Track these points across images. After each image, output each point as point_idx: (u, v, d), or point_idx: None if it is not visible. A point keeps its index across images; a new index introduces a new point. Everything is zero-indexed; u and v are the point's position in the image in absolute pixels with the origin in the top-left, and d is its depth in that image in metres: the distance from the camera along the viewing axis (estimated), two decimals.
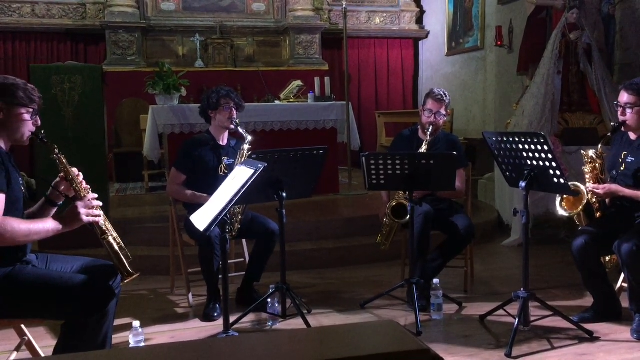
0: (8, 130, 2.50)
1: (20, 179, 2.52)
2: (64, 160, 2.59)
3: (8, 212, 2.37)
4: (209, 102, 3.94)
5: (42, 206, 2.68)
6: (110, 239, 2.58)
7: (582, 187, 3.41)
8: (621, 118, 3.44)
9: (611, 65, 5.88)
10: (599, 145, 3.51)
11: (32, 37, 8.06)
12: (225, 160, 3.95)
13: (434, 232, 4.02)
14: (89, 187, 2.61)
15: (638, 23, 5.75)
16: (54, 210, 2.70)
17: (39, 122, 2.58)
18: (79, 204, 2.51)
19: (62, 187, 2.65)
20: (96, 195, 2.59)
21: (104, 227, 2.57)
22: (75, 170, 2.61)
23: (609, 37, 5.86)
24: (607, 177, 3.52)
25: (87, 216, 2.50)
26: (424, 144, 3.91)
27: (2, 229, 2.30)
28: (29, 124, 2.53)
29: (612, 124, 3.53)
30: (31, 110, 2.52)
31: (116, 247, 2.58)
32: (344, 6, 6.60)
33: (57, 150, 2.58)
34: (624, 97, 3.41)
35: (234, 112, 3.93)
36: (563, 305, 3.70)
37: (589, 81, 5.61)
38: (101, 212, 2.58)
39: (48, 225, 2.44)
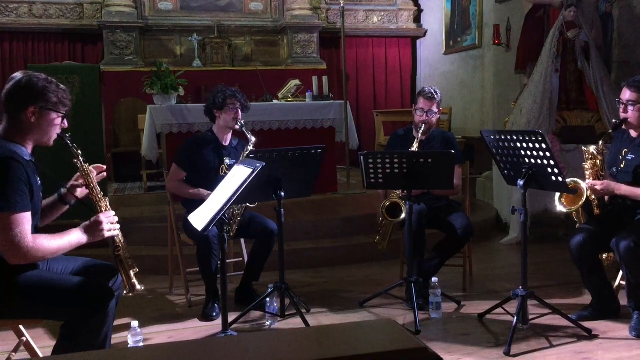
0: (37, 134, 2.48)
1: (39, 179, 2.51)
2: (86, 167, 2.58)
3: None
4: (215, 102, 3.93)
5: (53, 203, 2.68)
6: (122, 254, 2.59)
7: (582, 183, 3.41)
8: (622, 115, 3.43)
9: (609, 63, 5.88)
10: (600, 142, 3.51)
11: (29, 37, 8.04)
12: (227, 160, 3.95)
13: (432, 231, 4.03)
14: (106, 198, 2.62)
15: (635, 21, 5.76)
16: (65, 208, 2.71)
17: (67, 125, 2.56)
18: (102, 217, 2.51)
19: (78, 191, 2.65)
20: (114, 213, 2.59)
21: (118, 242, 2.58)
22: (93, 169, 2.61)
23: (606, 35, 5.86)
24: (607, 174, 3.53)
25: (109, 231, 2.52)
26: (414, 142, 3.92)
27: (35, 250, 2.32)
28: (57, 127, 2.52)
29: (613, 120, 3.53)
30: (62, 114, 2.52)
31: (125, 264, 2.60)
32: (342, 5, 6.59)
33: (81, 158, 2.57)
34: (626, 94, 3.41)
35: (240, 112, 3.93)
36: (561, 304, 3.71)
37: (587, 79, 5.62)
38: (118, 226, 2.58)
39: (72, 239, 2.44)
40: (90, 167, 2.62)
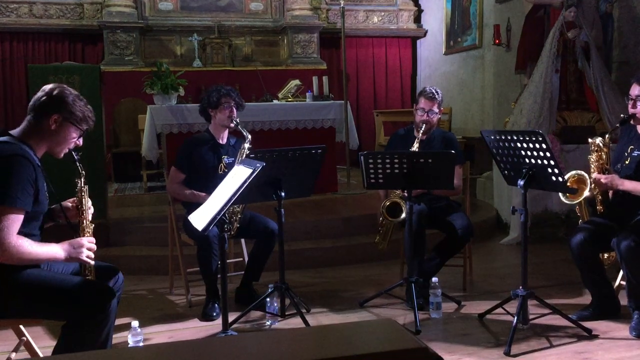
0: (52, 142, 2.52)
1: (46, 185, 2.51)
2: (83, 190, 2.58)
3: (28, 223, 2.39)
4: (210, 101, 3.94)
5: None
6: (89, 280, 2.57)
7: (586, 176, 3.41)
8: (631, 111, 3.43)
9: (609, 63, 5.88)
10: (607, 135, 3.51)
11: (29, 37, 8.05)
12: (225, 158, 3.95)
13: (432, 231, 4.02)
14: (92, 225, 2.62)
15: (636, 21, 5.76)
16: (50, 224, 2.70)
17: (81, 143, 2.60)
18: (84, 241, 2.51)
19: (70, 213, 2.65)
20: (95, 240, 2.58)
21: (88, 271, 2.56)
22: (89, 202, 2.61)
23: (606, 35, 5.86)
24: (611, 170, 3.53)
25: (87, 257, 2.51)
26: (415, 142, 3.92)
27: (15, 250, 2.32)
28: (72, 142, 2.56)
29: (621, 115, 3.52)
30: (82, 131, 2.56)
31: None
32: (342, 5, 6.59)
33: (83, 179, 2.57)
34: (636, 89, 3.41)
35: (235, 111, 3.93)
36: (562, 303, 3.71)
37: (587, 79, 5.61)
38: (93, 256, 2.56)
39: (50, 252, 2.44)
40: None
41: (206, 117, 4.05)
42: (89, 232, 2.58)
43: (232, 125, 3.93)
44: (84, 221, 2.59)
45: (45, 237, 2.56)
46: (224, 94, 3.91)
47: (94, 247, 2.55)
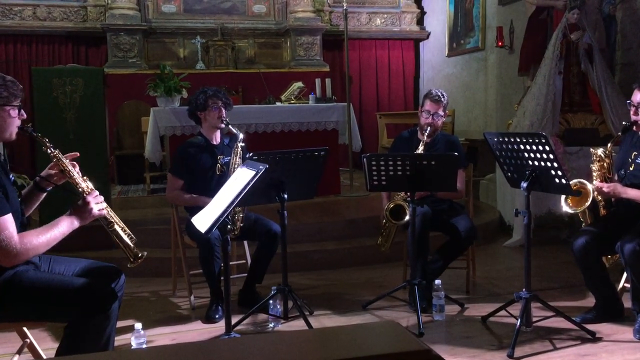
0: None
1: (12, 177, 2.50)
2: (58, 155, 2.55)
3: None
4: (197, 104, 3.94)
5: (30, 192, 2.67)
6: (117, 227, 2.58)
7: (588, 185, 3.41)
8: (633, 117, 3.42)
9: (612, 65, 5.87)
10: (609, 144, 3.50)
11: (33, 40, 8.07)
12: (221, 159, 3.95)
13: (435, 233, 4.02)
14: (85, 178, 2.59)
15: (639, 23, 5.75)
16: (43, 195, 2.69)
17: (25, 116, 2.51)
18: (89, 198, 2.50)
19: (55, 179, 2.63)
20: (97, 192, 2.57)
21: (109, 218, 2.57)
22: (71, 164, 2.58)
23: (609, 37, 5.86)
24: (614, 177, 3.52)
25: (99, 210, 2.51)
26: (420, 144, 3.91)
27: (24, 249, 2.32)
28: (15, 120, 2.47)
29: (623, 123, 3.51)
30: (16, 106, 2.46)
31: (123, 235, 2.59)
32: (345, 7, 6.60)
33: (49, 144, 2.54)
34: (637, 96, 3.40)
35: (223, 111, 3.93)
36: (565, 306, 3.70)
37: (590, 81, 5.61)
38: (105, 204, 2.57)
39: (63, 227, 2.44)
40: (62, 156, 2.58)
41: (196, 121, 4.05)
42: (87, 187, 2.55)
43: (222, 125, 3.92)
44: (76, 180, 2.55)
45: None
46: (210, 96, 3.91)
47: (101, 197, 2.54)
